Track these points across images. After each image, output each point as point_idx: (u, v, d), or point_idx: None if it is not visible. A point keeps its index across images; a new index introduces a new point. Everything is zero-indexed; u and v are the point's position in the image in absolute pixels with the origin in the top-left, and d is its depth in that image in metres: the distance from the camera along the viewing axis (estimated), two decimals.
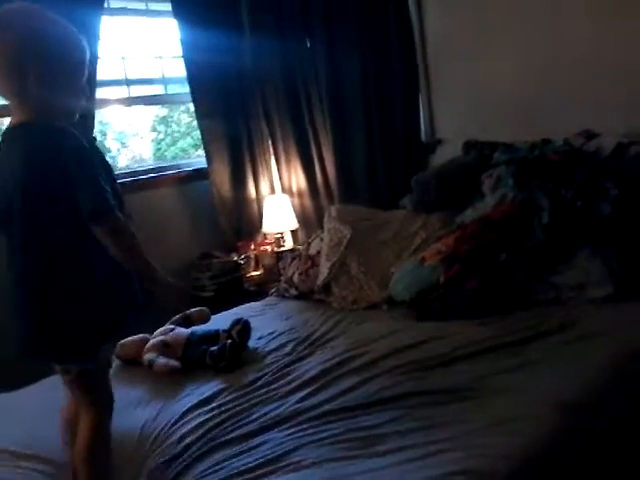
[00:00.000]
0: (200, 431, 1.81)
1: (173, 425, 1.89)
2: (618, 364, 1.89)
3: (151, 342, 2.38)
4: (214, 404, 1.97)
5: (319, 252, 2.95)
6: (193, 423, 1.87)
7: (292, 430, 1.75)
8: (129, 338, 2.45)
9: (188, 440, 1.78)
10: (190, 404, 2.00)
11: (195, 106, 3.78)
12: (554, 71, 2.88)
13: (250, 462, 1.63)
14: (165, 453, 1.75)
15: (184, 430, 1.83)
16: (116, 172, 3.43)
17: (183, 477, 1.65)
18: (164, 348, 2.34)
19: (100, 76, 3.35)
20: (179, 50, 3.66)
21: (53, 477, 1.75)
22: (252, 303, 3.04)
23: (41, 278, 1.50)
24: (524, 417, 1.62)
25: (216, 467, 1.63)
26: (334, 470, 1.53)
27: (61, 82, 1.52)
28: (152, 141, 4.64)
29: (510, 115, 3.01)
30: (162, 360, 2.27)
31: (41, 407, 2.08)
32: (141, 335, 2.46)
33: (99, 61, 3.28)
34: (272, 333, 2.51)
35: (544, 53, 2.90)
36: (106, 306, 1.53)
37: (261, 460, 1.63)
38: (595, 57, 2.74)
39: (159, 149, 4.65)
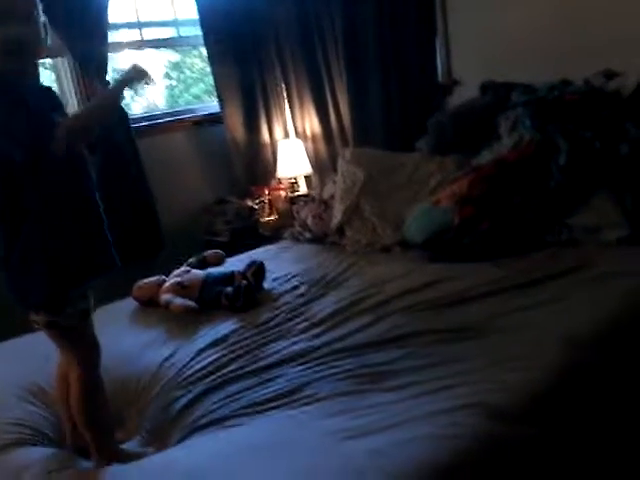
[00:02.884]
0: (215, 365, 1.86)
1: (189, 362, 1.94)
2: (630, 304, 1.90)
3: (168, 283, 2.42)
4: (229, 341, 2.02)
5: (333, 196, 2.95)
6: (209, 359, 1.91)
7: (305, 366, 1.79)
8: (145, 280, 2.50)
9: (203, 373, 1.82)
10: (206, 342, 2.04)
11: (208, 50, 3.73)
12: (573, 9, 2.79)
13: (264, 395, 1.67)
14: (180, 386, 1.80)
15: (199, 365, 1.88)
16: (130, 118, 3.45)
17: (197, 407, 1.70)
18: (181, 289, 2.38)
19: (112, 19, 3.32)
20: None
21: None
22: (267, 246, 3.07)
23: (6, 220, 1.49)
24: (533, 353, 1.64)
25: (230, 399, 1.68)
26: (346, 403, 1.57)
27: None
28: (165, 88, 4.60)
29: (528, 55, 2.92)
30: (179, 300, 2.31)
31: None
32: (157, 277, 2.50)
33: (110, 3, 3.24)
34: (286, 275, 2.54)
35: None
36: (63, 258, 1.50)
37: (275, 393, 1.67)
38: None
39: (172, 96, 4.62)
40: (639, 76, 2.51)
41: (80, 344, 1.60)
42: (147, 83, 1.64)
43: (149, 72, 1.62)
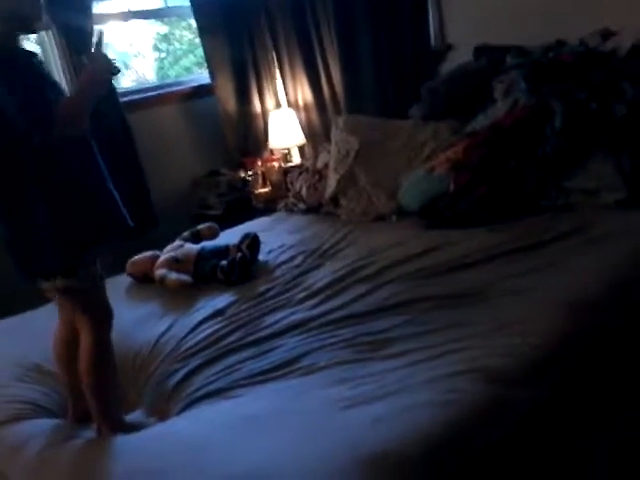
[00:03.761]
0: (213, 338, 1.85)
1: (187, 335, 1.93)
2: (630, 266, 1.88)
3: (162, 258, 2.40)
4: (227, 314, 2.01)
5: (327, 165, 2.92)
6: (206, 332, 1.91)
7: (303, 336, 1.78)
8: (139, 255, 2.48)
9: (201, 346, 1.82)
10: (203, 315, 2.03)
11: (197, 20, 3.66)
12: None
13: (263, 365, 1.67)
14: (178, 359, 1.79)
15: (198, 338, 1.88)
16: (119, 91, 3.39)
17: (195, 379, 1.70)
18: (175, 264, 2.35)
19: None
20: None
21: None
22: (261, 218, 3.04)
23: (7, 197, 1.50)
24: (534, 318, 1.63)
25: (229, 369, 1.68)
26: (344, 372, 1.57)
27: None
28: (155, 60, 4.52)
29: (523, 17, 2.86)
30: (174, 275, 2.29)
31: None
32: (151, 252, 2.48)
33: None
34: (282, 246, 2.52)
35: None
36: (75, 221, 1.51)
37: (274, 364, 1.67)
38: None
39: (162, 68, 4.55)
40: (635, 36, 2.47)
41: (95, 307, 1.62)
42: (113, 73, 1.61)
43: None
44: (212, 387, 1.63)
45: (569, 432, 1.50)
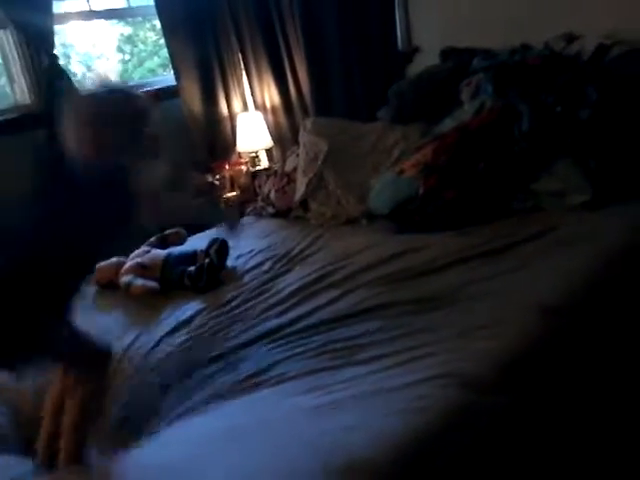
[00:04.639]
0: (181, 349, 1.81)
1: (154, 347, 1.89)
2: (597, 267, 1.89)
3: (128, 264, 2.35)
4: (194, 324, 1.97)
5: (295, 168, 2.89)
6: (174, 344, 1.86)
7: (273, 345, 1.76)
8: (105, 262, 2.42)
9: (169, 360, 1.77)
10: (170, 326, 1.99)
11: (161, 21, 3.59)
12: None
13: (234, 378, 1.64)
14: (147, 375, 1.74)
15: (165, 351, 1.83)
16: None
17: (168, 396, 1.66)
18: (141, 270, 2.31)
19: None
20: None
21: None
22: None
23: None
24: (503, 321, 1.63)
25: (201, 384, 1.64)
26: (316, 380, 1.54)
27: None
28: (118, 62, 4.44)
29: (489, 21, 2.89)
30: (139, 281, 2.25)
31: None
32: (117, 258, 2.42)
33: None
34: (250, 252, 2.49)
35: None
36: None
37: (244, 375, 1.64)
38: None
39: (126, 71, 4.47)
40: (598, 39, 2.50)
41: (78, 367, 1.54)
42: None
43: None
44: (182, 406, 1.60)
45: (540, 436, 1.50)
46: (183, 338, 1.89)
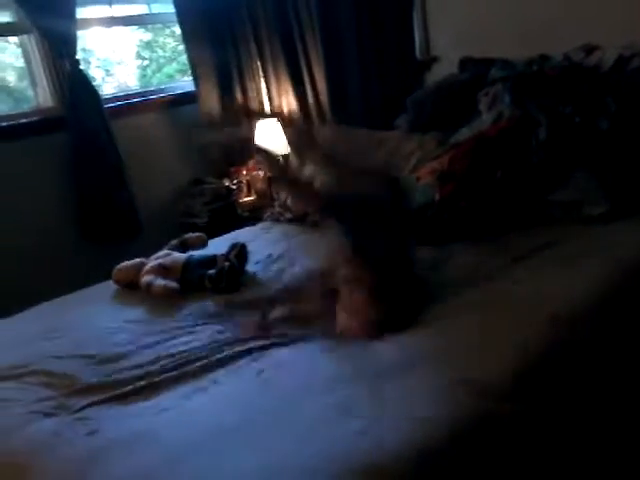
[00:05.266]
0: (207, 342, 1.90)
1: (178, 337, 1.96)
2: (612, 279, 1.90)
3: (149, 265, 2.38)
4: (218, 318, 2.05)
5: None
6: (198, 336, 1.94)
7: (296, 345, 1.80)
8: (126, 262, 2.45)
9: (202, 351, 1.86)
10: (195, 318, 2.07)
11: (181, 27, 3.65)
12: None
13: (255, 369, 1.71)
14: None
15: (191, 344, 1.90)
16: (102, 97, 3.36)
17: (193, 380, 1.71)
18: (162, 271, 2.33)
19: None
20: None
21: (52, 386, 1.79)
22: (248, 227, 3.02)
23: None
24: (516, 331, 1.64)
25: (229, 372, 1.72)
26: (332, 377, 1.57)
27: None
28: (137, 68, 4.49)
29: (508, 31, 2.91)
30: (161, 281, 2.27)
31: (33, 331, 2.14)
32: (138, 259, 2.45)
33: None
34: (269, 256, 2.51)
35: None
36: None
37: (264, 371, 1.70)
38: None
39: (144, 76, 4.51)
40: (618, 51, 2.52)
41: None
42: None
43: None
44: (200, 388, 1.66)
45: (553, 444, 1.52)
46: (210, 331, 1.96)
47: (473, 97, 2.75)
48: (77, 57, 3.21)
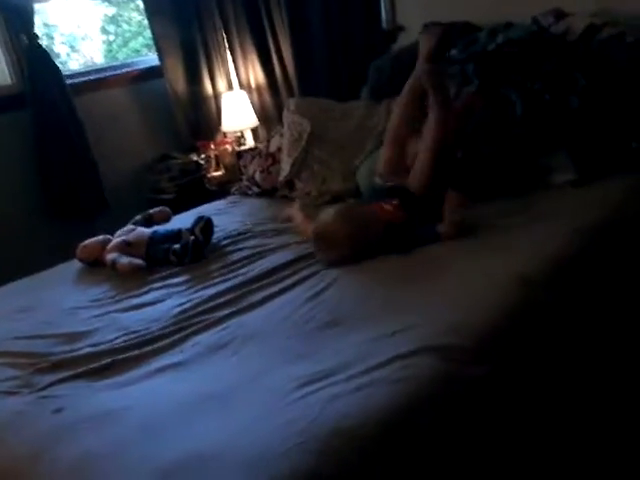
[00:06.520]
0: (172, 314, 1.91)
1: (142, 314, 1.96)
2: (577, 243, 1.92)
3: (113, 242, 2.35)
4: (185, 293, 2.04)
5: (280, 148, 2.89)
6: (163, 309, 1.94)
7: (261, 314, 1.81)
8: (90, 240, 2.42)
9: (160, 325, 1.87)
10: (160, 294, 2.07)
11: (144, 1, 3.57)
12: None
13: (220, 338, 1.72)
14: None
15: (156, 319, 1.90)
16: (65, 73, 3.29)
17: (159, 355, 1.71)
18: (127, 247, 2.31)
19: None
20: None
21: (17, 366, 1.78)
22: (215, 202, 2.99)
23: None
24: (483, 295, 1.65)
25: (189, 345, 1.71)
26: (303, 349, 1.58)
27: None
28: (103, 43, 4.40)
29: None
30: (125, 259, 2.25)
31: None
32: (102, 236, 2.42)
33: None
34: (235, 230, 2.50)
35: None
36: None
37: (231, 340, 1.71)
38: None
39: (110, 51, 4.43)
40: (589, 18, 2.46)
41: None
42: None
43: None
44: (167, 361, 1.66)
45: (519, 405, 1.54)
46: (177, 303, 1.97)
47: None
48: (35, 32, 3.13)
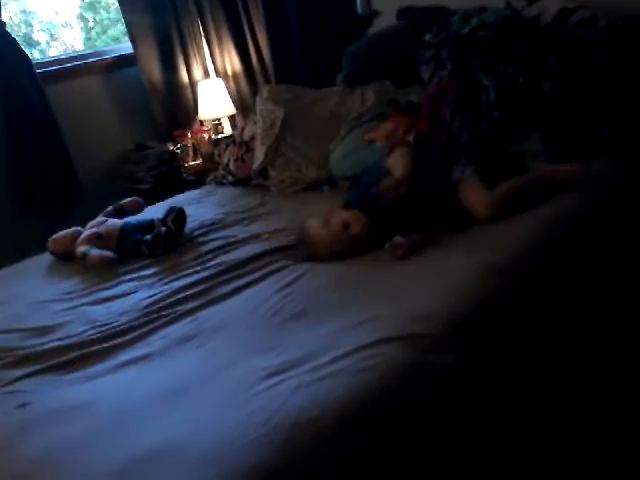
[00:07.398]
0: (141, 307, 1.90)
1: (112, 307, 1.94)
2: (546, 232, 1.91)
3: (84, 234, 2.32)
4: (155, 286, 2.02)
5: (253, 137, 2.86)
6: (129, 303, 1.93)
7: (228, 306, 1.80)
8: (61, 232, 2.39)
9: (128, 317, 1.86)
10: (129, 287, 2.05)
11: None
12: None
13: (187, 332, 1.71)
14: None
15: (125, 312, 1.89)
16: (36, 62, 3.23)
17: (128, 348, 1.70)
18: (97, 240, 2.28)
19: None
20: None
21: None
22: (189, 192, 2.97)
23: None
24: (451, 283, 1.66)
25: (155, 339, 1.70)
26: (270, 340, 1.58)
27: None
28: (82, 30, 4.34)
29: None
30: (96, 252, 2.23)
31: None
32: (73, 228, 2.39)
33: None
34: (209, 220, 2.48)
35: None
36: None
37: (199, 332, 1.71)
38: None
39: (89, 39, 4.36)
40: (562, 2, 2.46)
41: None
42: None
43: None
44: (135, 355, 1.65)
45: (486, 393, 1.55)
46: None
47: (409, 46, 2.68)
48: (3, 19, 3.06)
